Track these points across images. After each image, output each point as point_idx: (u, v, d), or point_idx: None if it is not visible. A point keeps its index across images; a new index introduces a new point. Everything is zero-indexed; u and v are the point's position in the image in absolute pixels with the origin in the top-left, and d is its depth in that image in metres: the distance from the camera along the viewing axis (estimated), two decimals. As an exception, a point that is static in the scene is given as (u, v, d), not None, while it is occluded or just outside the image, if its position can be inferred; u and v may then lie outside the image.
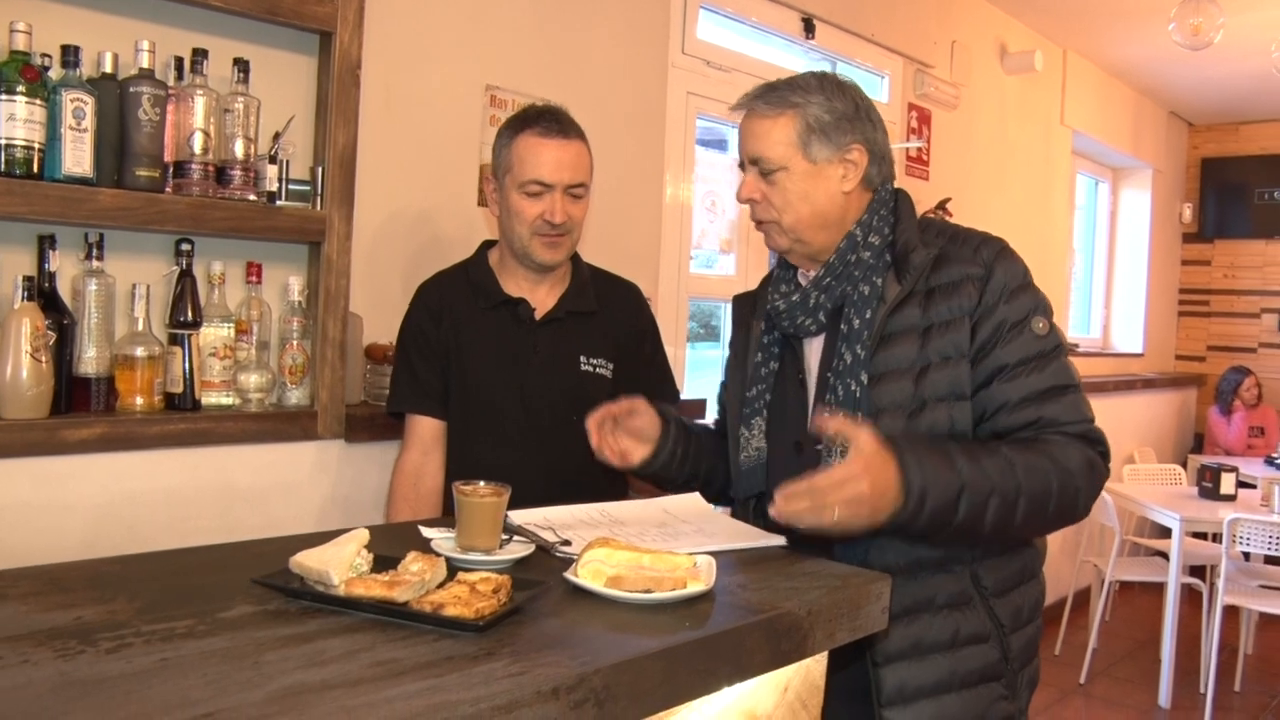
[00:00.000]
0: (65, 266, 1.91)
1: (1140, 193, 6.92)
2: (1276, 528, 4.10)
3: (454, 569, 1.16)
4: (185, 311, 2.00)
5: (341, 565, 1.08)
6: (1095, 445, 1.52)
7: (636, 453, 1.74)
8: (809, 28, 3.66)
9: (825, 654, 1.28)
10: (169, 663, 0.89)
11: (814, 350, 1.65)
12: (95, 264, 1.92)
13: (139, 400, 1.97)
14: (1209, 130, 7.35)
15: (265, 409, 2.14)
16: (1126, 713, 4.28)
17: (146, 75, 1.89)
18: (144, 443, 1.95)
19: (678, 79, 3.21)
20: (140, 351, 1.96)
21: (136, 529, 1.96)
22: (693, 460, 1.78)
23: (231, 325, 2.10)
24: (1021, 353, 1.50)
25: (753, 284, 3.61)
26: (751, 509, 1.72)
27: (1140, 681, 4.61)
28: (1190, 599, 4.86)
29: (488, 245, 2.14)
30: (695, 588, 1.16)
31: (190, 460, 2.03)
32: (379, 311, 2.35)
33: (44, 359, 1.80)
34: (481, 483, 1.32)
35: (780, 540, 1.49)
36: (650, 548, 1.22)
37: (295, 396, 2.20)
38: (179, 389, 2.01)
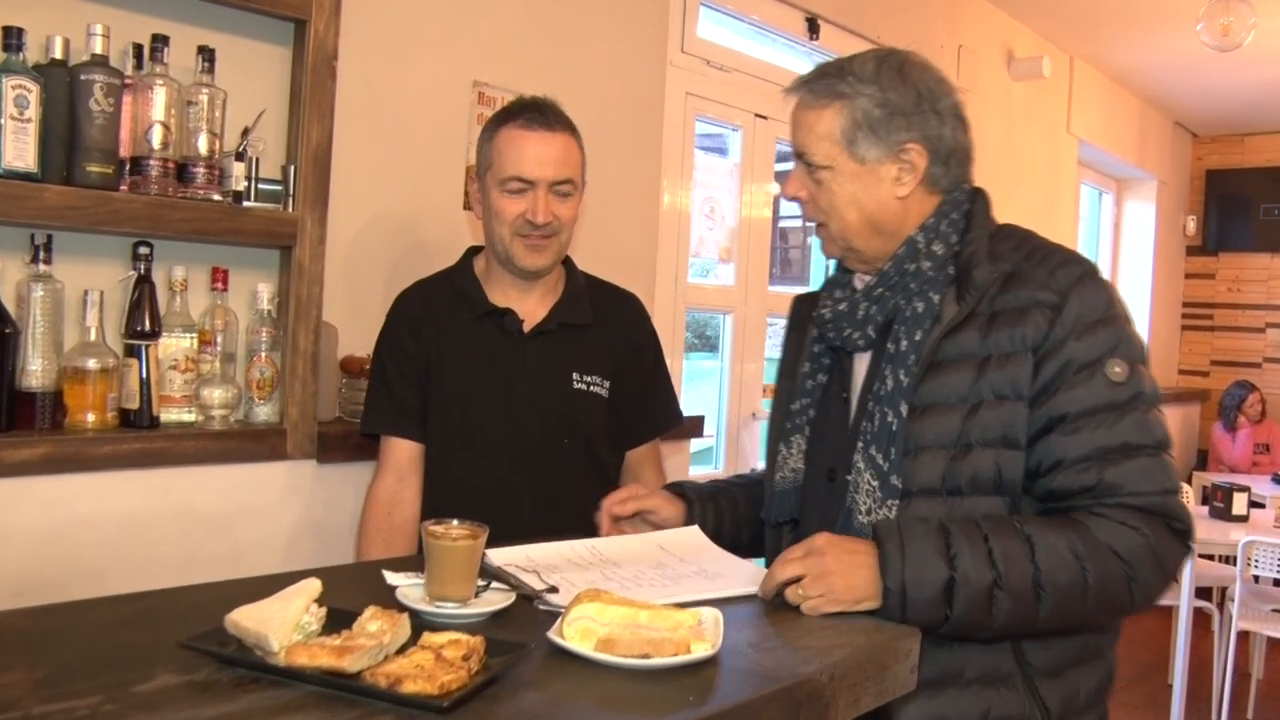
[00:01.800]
0: (8, 270, 1.75)
1: (1144, 204, 6.79)
2: (1291, 551, 3.96)
3: (419, 628, 0.99)
4: (142, 320, 1.84)
5: (284, 627, 0.92)
6: (1170, 521, 1.28)
7: None
8: (813, 28, 3.51)
9: (845, 722, 1.12)
10: (58, 760, 0.73)
11: (863, 367, 1.45)
12: (42, 268, 1.76)
13: (90, 417, 1.81)
14: (1213, 142, 7.24)
15: (230, 426, 1.97)
16: (1137, 742, 4.12)
17: (99, 62, 1.73)
18: (93, 464, 1.78)
19: (676, 79, 3.06)
20: (92, 364, 1.80)
21: (84, 558, 1.80)
22: (730, 530, 1.60)
23: (194, 336, 1.94)
24: (1088, 401, 1.28)
25: (753, 294, 3.50)
26: (785, 535, 1.53)
27: (1149, 708, 4.46)
28: (1198, 622, 4.70)
29: (473, 251, 1.98)
30: (700, 651, 1.00)
31: (146, 482, 1.87)
32: (357, 321, 2.19)
33: (-20, 372, 1.64)
34: (455, 521, 1.16)
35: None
36: (648, 602, 1.06)
37: (263, 413, 2.04)
38: (135, 405, 1.85)
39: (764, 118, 3.46)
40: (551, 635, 1.02)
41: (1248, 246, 7.08)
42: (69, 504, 1.78)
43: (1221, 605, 4.44)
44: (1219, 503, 4.56)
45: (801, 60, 3.64)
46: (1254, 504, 4.83)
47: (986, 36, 4.65)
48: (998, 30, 4.75)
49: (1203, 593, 4.66)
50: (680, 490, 1.63)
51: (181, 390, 1.93)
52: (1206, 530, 4.30)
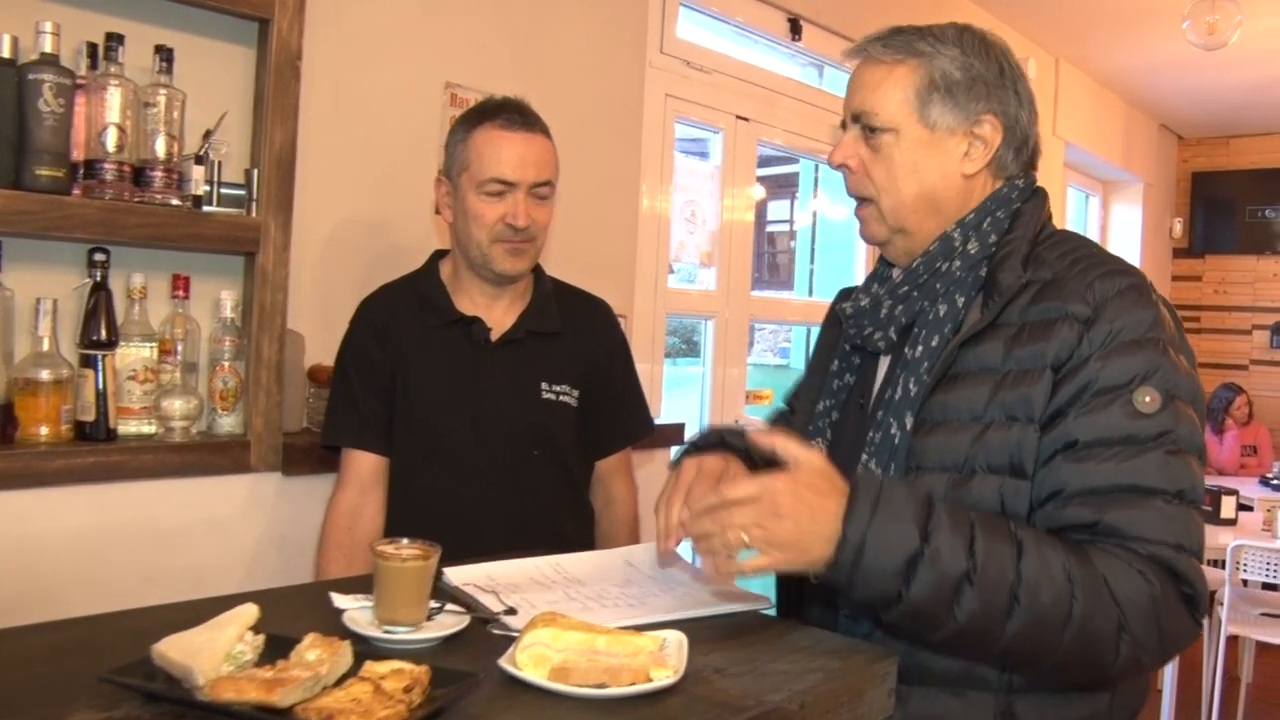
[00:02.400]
0: (-46, 278, 1.69)
1: (1131, 207, 6.77)
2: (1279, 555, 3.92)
3: (361, 657, 0.93)
4: (98, 329, 1.78)
5: (212, 658, 0.86)
6: (1179, 581, 1.10)
7: None
8: (795, 28, 3.46)
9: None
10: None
11: (883, 371, 1.33)
12: (-10, 275, 1.70)
13: (43, 430, 1.74)
14: (1199, 144, 7.23)
15: (191, 438, 1.91)
16: (1126, 749, 4.07)
17: (49, 61, 1.67)
18: (46, 479, 1.71)
19: (655, 80, 3.00)
20: (45, 375, 1.74)
21: (37, 577, 1.73)
22: None
23: (154, 345, 1.88)
24: (1103, 430, 1.11)
25: (735, 299, 3.44)
26: None
27: (1139, 715, 4.41)
28: (1188, 627, 4.67)
29: (440, 255, 1.92)
30: (661, 679, 0.94)
31: (103, 498, 1.80)
32: (326, 329, 2.12)
33: (-78, 384, 1.58)
34: (405, 540, 1.10)
35: (766, 601, 1.28)
36: (607, 627, 1.00)
37: (226, 424, 1.98)
38: (90, 417, 1.78)
39: (745, 120, 3.41)
40: (503, 663, 0.96)
41: (1234, 249, 7.08)
42: (19, 521, 1.71)
43: (1210, 609, 4.41)
44: (1208, 506, 4.52)
45: (783, 61, 3.60)
46: (1242, 507, 4.79)
47: (971, 38, 4.60)
48: (982, 32, 4.71)
49: (1191, 597, 4.61)
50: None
51: (140, 401, 1.86)
52: (1196, 534, 4.27)
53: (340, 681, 0.89)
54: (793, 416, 1.47)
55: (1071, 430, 1.12)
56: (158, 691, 0.86)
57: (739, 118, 3.39)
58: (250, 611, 0.94)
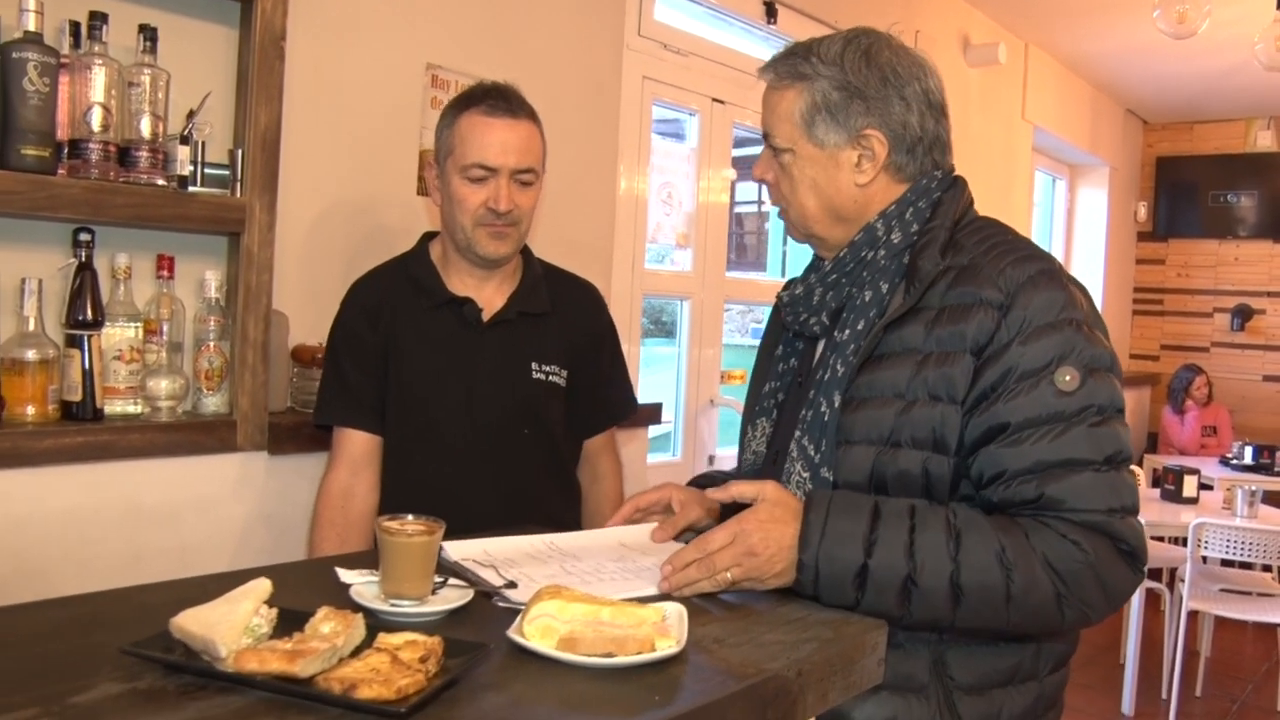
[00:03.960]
0: (-61, 258, 1.68)
1: (1097, 191, 6.87)
2: (1239, 532, 4.03)
3: (374, 628, 0.96)
4: (84, 310, 1.78)
5: (232, 630, 0.88)
6: (1116, 541, 1.20)
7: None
8: (770, 12, 3.49)
9: None
10: (-11, 778, 0.69)
11: (819, 353, 1.43)
12: (-25, 255, 1.69)
13: (30, 410, 1.74)
14: (1164, 129, 7.33)
15: (177, 418, 1.91)
16: (1090, 720, 4.18)
17: (33, 40, 1.66)
18: (33, 459, 1.72)
19: (633, 62, 3.02)
20: (31, 355, 1.74)
21: (23, 558, 1.73)
22: None
23: (139, 325, 1.88)
24: (1032, 411, 1.20)
25: (710, 280, 3.48)
26: None
27: (1101, 687, 4.52)
28: (1149, 602, 4.78)
29: (429, 237, 1.93)
30: (665, 648, 0.98)
31: (90, 477, 1.81)
32: (310, 309, 2.13)
33: (-90, 365, 1.57)
34: (410, 516, 1.12)
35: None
36: (610, 599, 1.03)
37: (212, 404, 1.98)
38: (77, 397, 1.78)
39: (721, 102, 3.43)
40: (511, 634, 0.99)
41: (1197, 233, 7.19)
42: (7, 502, 1.71)
43: (1172, 586, 4.52)
44: (1170, 485, 4.63)
45: (759, 45, 3.62)
46: (1203, 486, 4.90)
47: (943, 22, 4.65)
48: (954, 16, 4.76)
49: (1153, 574, 4.73)
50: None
51: (126, 381, 1.87)
52: (1158, 512, 4.37)
53: (355, 653, 0.91)
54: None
55: (1002, 414, 1.21)
56: (181, 663, 0.87)
57: (715, 100, 3.41)
58: (264, 586, 0.96)
